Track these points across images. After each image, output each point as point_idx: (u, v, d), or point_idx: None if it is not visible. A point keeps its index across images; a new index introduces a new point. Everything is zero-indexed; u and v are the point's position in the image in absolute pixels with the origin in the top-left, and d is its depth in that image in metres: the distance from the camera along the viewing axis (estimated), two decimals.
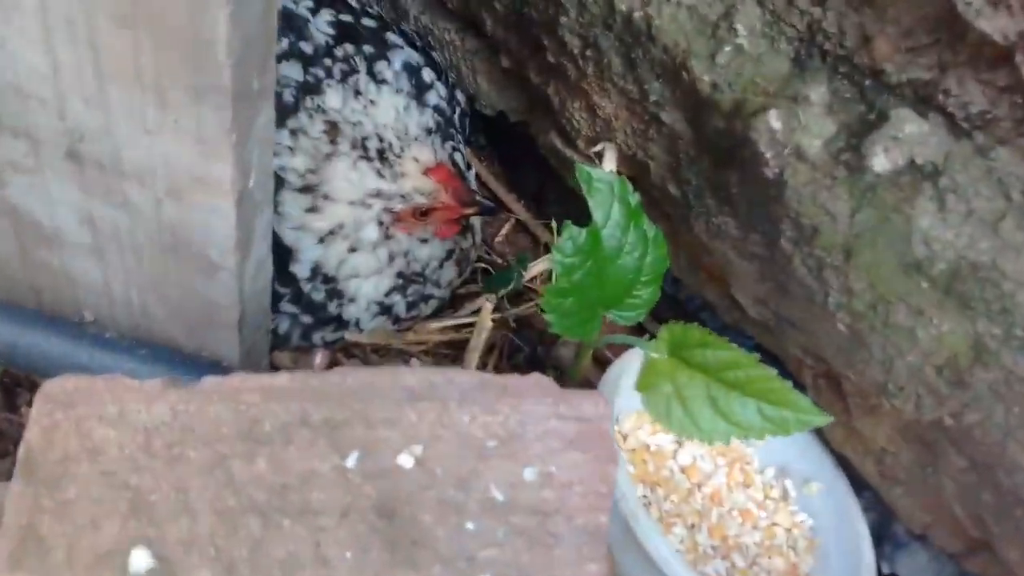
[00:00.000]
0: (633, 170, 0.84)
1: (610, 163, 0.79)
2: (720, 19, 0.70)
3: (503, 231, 1.07)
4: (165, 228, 0.64)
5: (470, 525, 0.53)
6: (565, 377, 0.88)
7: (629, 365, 0.77)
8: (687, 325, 0.68)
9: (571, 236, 0.70)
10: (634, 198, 0.72)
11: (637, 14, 0.74)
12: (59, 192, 0.65)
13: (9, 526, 0.52)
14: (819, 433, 0.82)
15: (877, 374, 0.70)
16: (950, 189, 0.62)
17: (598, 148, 0.80)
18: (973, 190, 0.62)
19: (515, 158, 1.07)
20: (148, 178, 0.60)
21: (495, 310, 0.90)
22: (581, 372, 0.83)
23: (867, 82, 0.65)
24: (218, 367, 0.77)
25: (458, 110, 0.98)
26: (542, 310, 0.72)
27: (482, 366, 0.90)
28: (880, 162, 0.64)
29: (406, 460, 0.55)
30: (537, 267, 0.97)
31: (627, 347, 0.79)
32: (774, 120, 0.68)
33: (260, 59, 0.54)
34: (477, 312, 0.93)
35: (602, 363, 0.91)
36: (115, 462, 0.54)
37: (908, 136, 0.63)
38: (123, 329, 0.75)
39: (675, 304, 0.94)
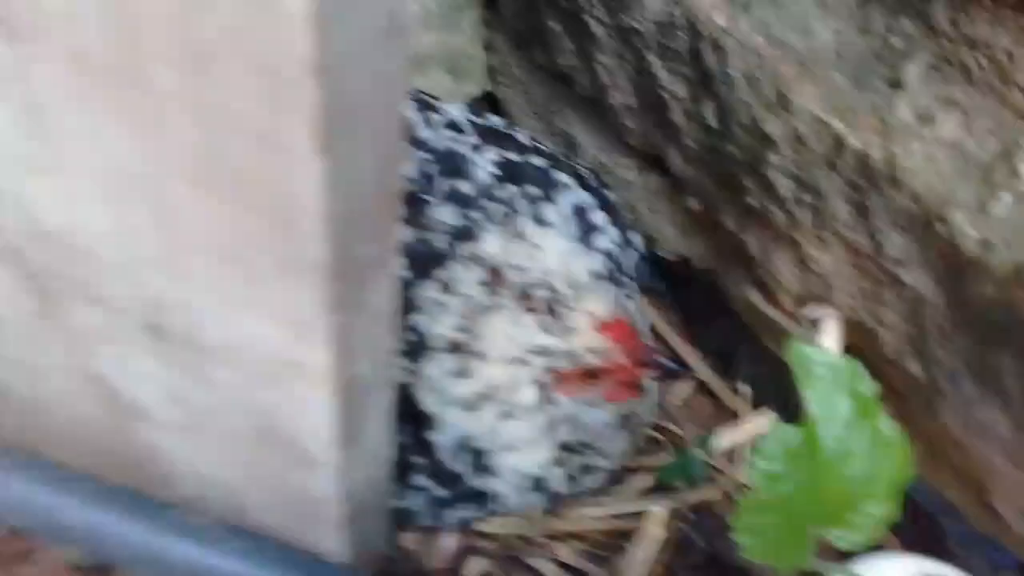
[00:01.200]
0: (858, 339, 0.66)
1: (831, 337, 0.61)
2: (997, 159, 0.52)
3: (683, 393, 0.91)
4: (257, 413, 0.52)
5: None
6: None
7: None
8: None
9: (779, 436, 0.53)
10: (869, 387, 0.54)
11: (877, 153, 0.57)
12: (142, 366, 0.55)
13: None
14: None
15: None
16: None
17: (815, 314, 0.63)
18: None
19: (700, 310, 0.91)
20: (235, 359, 0.48)
21: (663, 489, 0.73)
22: None
23: None
24: (323, 563, 0.64)
25: (632, 256, 0.84)
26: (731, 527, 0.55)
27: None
28: None
29: None
30: (725, 440, 0.81)
31: None
32: None
33: (372, 224, 0.41)
34: (646, 493, 0.78)
35: None
36: None
37: None
38: (215, 515, 0.63)
39: (908, 502, 0.74)
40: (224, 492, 0.63)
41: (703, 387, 0.91)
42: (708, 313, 0.90)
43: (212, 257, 0.42)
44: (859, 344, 0.66)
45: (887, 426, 0.55)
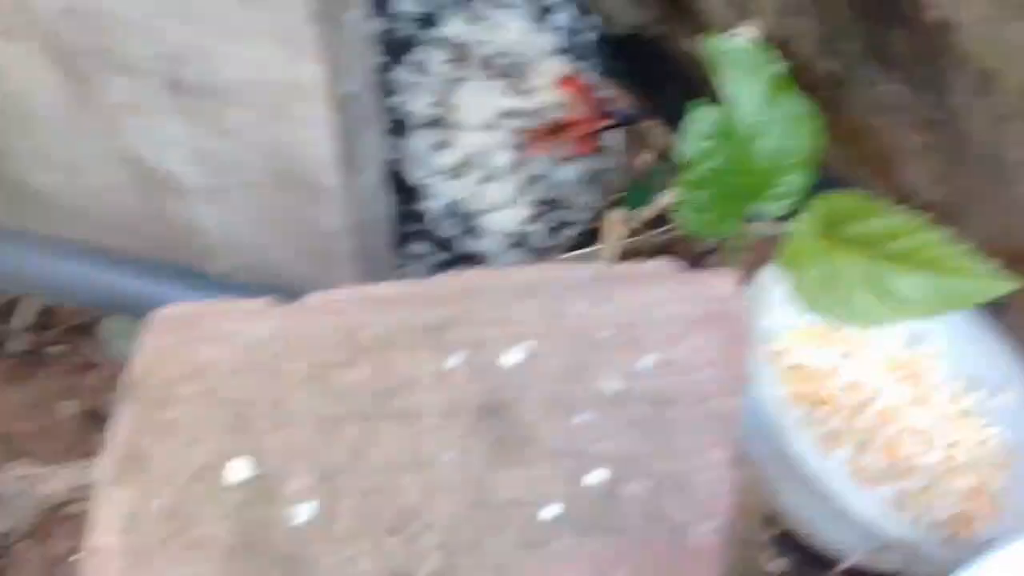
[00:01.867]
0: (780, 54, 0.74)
1: (749, 36, 0.69)
2: None
3: (644, 159, 0.99)
4: (270, 152, 0.62)
5: (580, 419, 0.46)
6: None
7: (780, 274, 0.68)
8: (840, 194, 0.58)
9: (702, 116, 0.62)
10: (778, 67, 0.62)
11: None
12: (169, 130, 0.65)
13: (115, 446, 0.51)
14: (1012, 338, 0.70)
15: None
16: None
17: (737, 30, 0.71)
18: None
19: (657, 80, 0.99)
20: (247, 95, 0.57)
21: (633, 233, 0.83)
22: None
23: None
24: None
25: (589, 33, 0.91)
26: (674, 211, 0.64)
27: None
28: None
29: (513, 358, 0.49)
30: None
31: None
32: None
33: None
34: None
35: None
36: (218, 379, 0.52)
37: None
38: (249, 274, 0.74)
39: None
40: (256, 257, 0.73)
41: (664, 156, 0.99)
42: (664, 83, 0.97)
43: None
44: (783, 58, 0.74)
45: (798, 103, 0.64)
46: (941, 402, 0.73)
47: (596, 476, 0.45)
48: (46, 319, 0.90)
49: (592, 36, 0.92)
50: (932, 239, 0.54)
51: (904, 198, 0.72)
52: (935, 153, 0.65)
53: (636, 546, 0.43)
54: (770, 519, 0.71)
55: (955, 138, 0.61)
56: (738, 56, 0.62)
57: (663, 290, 0.50)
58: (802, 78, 0.73)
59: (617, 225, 0.76)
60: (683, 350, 0.48)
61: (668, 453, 0.44)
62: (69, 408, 0.84)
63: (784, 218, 0.67)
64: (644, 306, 0.50)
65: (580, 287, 0.52)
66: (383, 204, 0.71)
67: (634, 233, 0.87)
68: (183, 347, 0.54)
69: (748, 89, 0.62)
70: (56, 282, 0.77)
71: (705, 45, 0.62)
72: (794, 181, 0.64)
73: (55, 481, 0.78)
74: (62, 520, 0.79)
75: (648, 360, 0.47)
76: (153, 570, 0.47)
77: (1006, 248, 0.64)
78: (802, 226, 0.59)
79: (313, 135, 0.60)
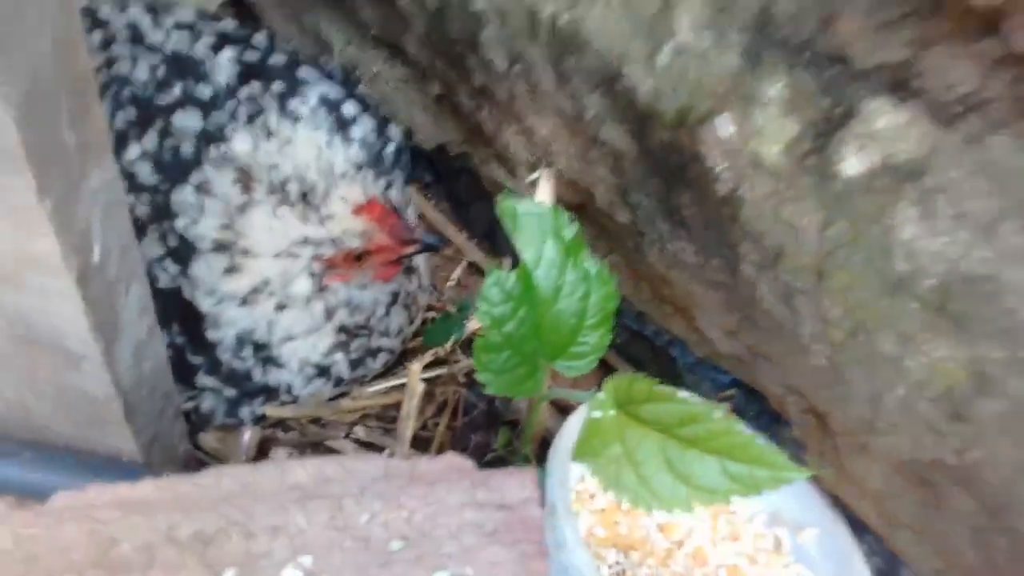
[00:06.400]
0: (579, 197, 0.74)
1: (544, 192, 0.69)
2: (658, 13, 0.60)
3: (455, 275, 0.97)
4: (13, 319, 0.54)
5: None
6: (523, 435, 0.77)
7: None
8: (634, 377, 0.57)
9: (497, 281, 0.60)
10: (571, 230, 0.61)
11: (563, 18, 0.64)
12: None
13: None
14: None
15: (864, 410, 0.59)
16: (937, 190, 0.52)
17: (534, 176, 0.70)
18: (965, 188, 0.51)
19: (465, 195, 0.97)
20: None
21: (441, 363, 0.80)
22: (536, 427, 0.73)
23: (831, 71, 0.55)
24: (119, 464, 0.67)
25: (391, 145, 0.88)
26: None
27: (423, 431, 0.80)
28: (851, 165, 0.54)
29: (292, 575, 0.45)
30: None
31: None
32: (725, 126, 0.57)
33: (69, 109, 0.44)
34: (428, 368, 0.83)
35: (565, 411, 0.80)
36: None
37: (883, 131, 0.53)
38: (6, 430, 0.65)
39: (643, 340, 0.84)
40: (17, 411, 0.64)
41: (473, 267, 0.98)
42: (471, 197, 0.96)
43: None
44: (581, 201, 0.74)
45: (591, 263, 0.63)
46: (750, 538, 0.74)
47: None
48: None
49: (393, 149, 0.89)
50: (725, 427, 0.54)
51: (704, 342, 0.73)
52: (729, 312, 0.65)
53: None
54: None
55: (747, 302, 0.62)
56: (532, 219, 0.60)
57: (457, 494, 0.47)
58: (606, 224, 0.73)
59: (416, 376, 0.73)
60: (480, 565, 0.45)
61: None
62: None
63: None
64: (436, 512, 0.46)
65: (368, 486, 0.48)
66: (159, 356, 0.64)
67: (441, 361, 0.85)
68: None
69: (544, 252, 0.61)
70: None
71: (500, 206, 0.60)
72: (593, 339, 0.64)
73: None
74: None
75: None
76: None
77: (798, 403, 0.67)
78: (598, 406, 0.58)
79: (57, 306, 0.53)
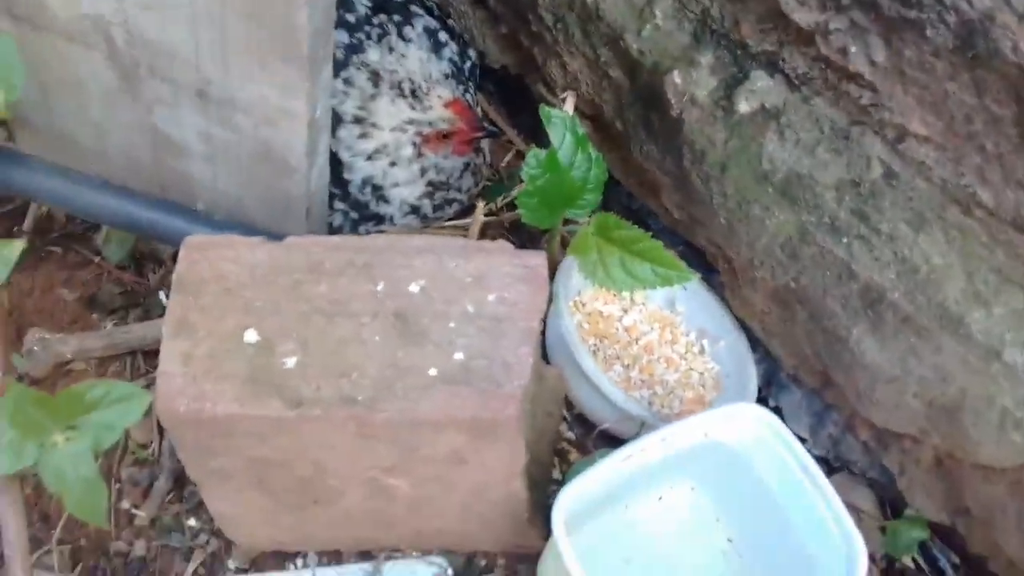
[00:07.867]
0: (594, 111, 1.14)
1: (569, 106, 1.10)
2: (645, 6, 1.00)
3: (507, 158, 1.38)
4: (259, 143, 0.96)
5: (452, 325, 0.85)
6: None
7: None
8: (609, 215, 0.99)
9: (535, 155, 1.02)
10: (581, 129, 1.02)
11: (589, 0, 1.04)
12: (188, 118, 0.98)
13: (170, 317, 0.85)
14: (726, 302, 1.14)
15: (747, 253, 1.00)
16: (786, 125, 0.92)
17: (564, 95, 1.11)
18: (800, 126, 0.92)
19: (517, 103, 1.38)
20: (251, 110, 0.92)
21: (492, 215, 1.22)
22: (554, 254, 1.15)
23: (737, 51, 0.95)
24: None
25: (468, 63, 1.27)
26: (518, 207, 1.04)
27: None
28: (743, 106, 0.94)
29: (414, 288, 0.87)
30: None
31: None
32: (677, 77, 0.98)
33: (325, 36, 0.86)
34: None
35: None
36: (233, 283, 0.87)
37: (761, 89, 0.93)
38: (225, 215, 1.08)
39: (630, 212, 1.24)
40: (233, 204, 1.07)
41: (520, 154, 1.38)
42: (521, 103, 1.37)
43: (244, 56, 0.86)
44: (595, 114, 1.14)
45: (592, 150, 1.04)
46: (684, 343, 1.17)
47: (459, 356, 0.83)
48: (46, 224, 1.19)
49: (470, 65, 1.29)
50: (655, 245, 0.97)
51: (666, 213, 1.14)
52: (676, 192, 1.06)
53: (476, 392, 0.82)
54: (569, 404, 1.13)
55: (686, 185, 1.03)
56: (559, 120, 1.02)
57: (502, 259, 0.88)
58: (610, 130, 1.14)
59: (480, 212, 1.15)
60: (510, 293, 0.87)
61: (498, 348, 0.83)
62: (69, 294, 1.15)
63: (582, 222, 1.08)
64: (491, 266, 0.88)
65: (453, 251, 0.90)
66: (326, 180, 1.07)
67: (493, 214, 1.26)
68: (208, 262, 0.88)
69: (565, 140, 1.02)
70: (80, 202, 1.08)
71: (541, 112, 1.01)
72: (590, 198, 1.06)
73: (63, 345, 1.10)
74: (66, 374, 1.11)
75: (491, 296, 0.86)
76: (198, 386, 0.82)
77: (717, 254, 1.08)
78: (586, 230, 1.00)
79: (291, 139, 0.95)
